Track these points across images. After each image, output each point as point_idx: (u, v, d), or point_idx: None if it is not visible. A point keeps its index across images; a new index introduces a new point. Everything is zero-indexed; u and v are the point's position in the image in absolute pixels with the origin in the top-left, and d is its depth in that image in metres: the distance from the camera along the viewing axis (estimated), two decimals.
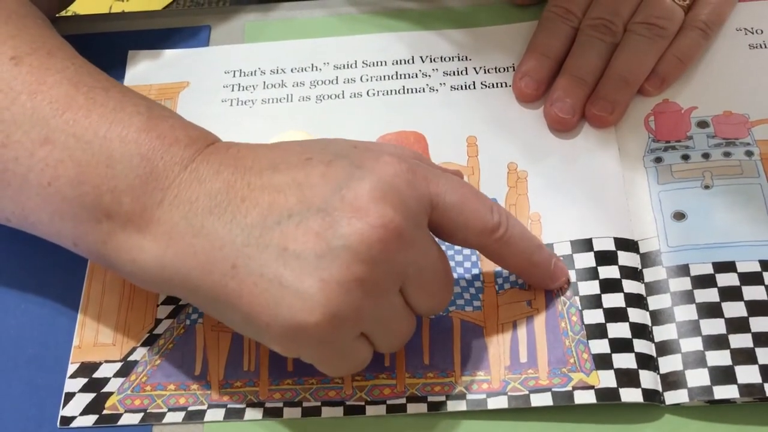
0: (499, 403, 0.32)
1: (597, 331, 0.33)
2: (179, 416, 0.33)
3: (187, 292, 0.29)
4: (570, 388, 0.32)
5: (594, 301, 0.34)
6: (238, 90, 0.41)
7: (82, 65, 0.32)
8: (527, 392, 0.32)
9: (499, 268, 0.35)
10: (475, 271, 0.35)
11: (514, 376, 0.32)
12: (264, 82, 0.42)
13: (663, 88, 0.39)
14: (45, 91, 0.30)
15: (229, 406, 0.33)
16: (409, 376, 0.33)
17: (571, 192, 0.37)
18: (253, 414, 0.33)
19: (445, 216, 0.30)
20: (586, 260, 0.35)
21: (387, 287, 0.29)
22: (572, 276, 0.34)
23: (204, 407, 0.33)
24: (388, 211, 0.28)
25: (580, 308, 0.34)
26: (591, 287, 0.34)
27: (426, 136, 0.39)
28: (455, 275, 0.35)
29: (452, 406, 0.32)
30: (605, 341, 0.33)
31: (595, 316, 0.33)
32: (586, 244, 0.35)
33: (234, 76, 0.42)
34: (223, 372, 0.34)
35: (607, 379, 0.32)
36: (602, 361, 0.32)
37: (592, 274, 0.34)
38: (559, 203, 0.36)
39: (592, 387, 0.32)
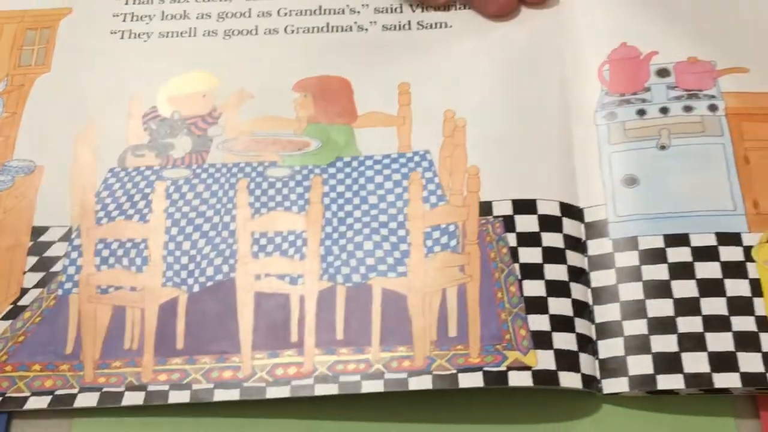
0: (423, 383, 0.29)
1: (537, 305, 0.30)
2: (44, 401, 0.30)
3: None
4: (504, 368, 0.29)
5: (535, 271, 0.31)
6: (132, 20, 0.38)
7: None
8: (455, 371, 0.29)
9: (428, 229, 0.32)
10: (401, 232, 0.32)
11: (441, 352, 0.30)
12: (162, 12, 0.38)
13: None
14: None
15: (104, 389, 0.30)
16: (319, 353, 0.30)
17: (514, 145, 0.34)
18: (132, 398, 0.30)
19: None
20: (528, 224, 0.32)
21: None
22: (513, 240, 0.32)
23: (74, 391, 0.30)
24: None
25: (519, 277, 0.31)
26: (533, 255, 0.31)
27: (351, 82, 0.36)
28: (378, 237, 0.32)
29: (368, 386, 0.30)
30: (546, 317, 0.30)
31: (536, 288, 0.31)
32: (529, 206, 0.32)
33: (126, 3, 0.38)
34: (100, 350, 0.30)
35: (545, 360, 0.29)
36: (541, 340, 0.30)
37: (534, 240, 0.32)
38: (501, 157, 0.34)
39: (529, 368, 0.29)
